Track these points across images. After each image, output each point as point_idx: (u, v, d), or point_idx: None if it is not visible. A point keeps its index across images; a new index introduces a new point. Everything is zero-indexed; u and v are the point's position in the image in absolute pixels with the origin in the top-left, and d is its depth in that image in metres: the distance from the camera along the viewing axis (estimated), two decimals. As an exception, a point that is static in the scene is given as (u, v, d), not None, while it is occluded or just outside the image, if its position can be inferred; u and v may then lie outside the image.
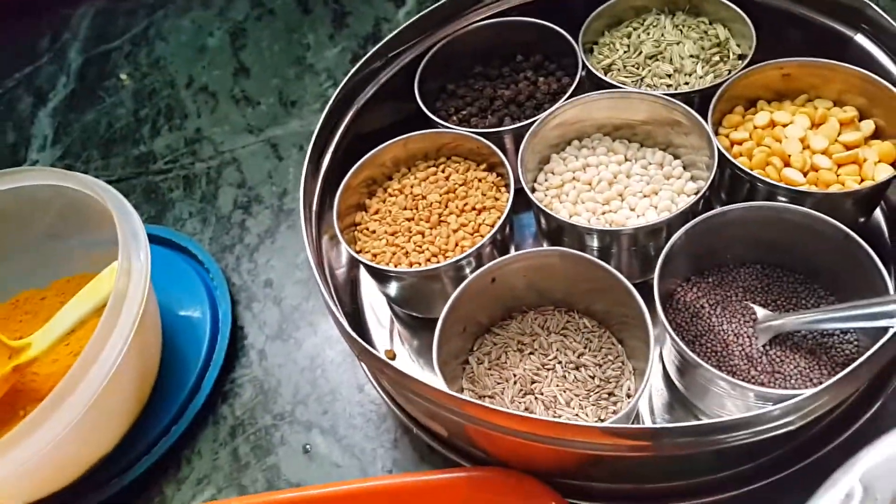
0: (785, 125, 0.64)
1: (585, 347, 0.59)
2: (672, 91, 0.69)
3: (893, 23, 0.62)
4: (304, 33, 1.00)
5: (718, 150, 0.60)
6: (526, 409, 0.57)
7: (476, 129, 0.68)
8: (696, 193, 0.61)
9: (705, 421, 0.47)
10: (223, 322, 0.72)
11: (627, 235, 0.60)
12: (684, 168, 0.65)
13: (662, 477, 0.55)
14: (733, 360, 0.56)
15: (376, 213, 0.67)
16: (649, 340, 0.53)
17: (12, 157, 0.96)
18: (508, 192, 0.63)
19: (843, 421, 0.54)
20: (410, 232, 0.64)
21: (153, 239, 0.67)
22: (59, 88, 1.02)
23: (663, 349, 0.60)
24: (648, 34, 0.74)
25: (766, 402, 0.50)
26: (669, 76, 0.71)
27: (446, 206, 0.65)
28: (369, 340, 0.68)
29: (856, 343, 0.56)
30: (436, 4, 0.73)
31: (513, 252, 0.60)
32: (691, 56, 0.71)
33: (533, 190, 0.65)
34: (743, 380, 0.54)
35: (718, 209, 0.58)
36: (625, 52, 0.73)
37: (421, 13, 0.72)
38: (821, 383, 0.46)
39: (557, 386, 0.57)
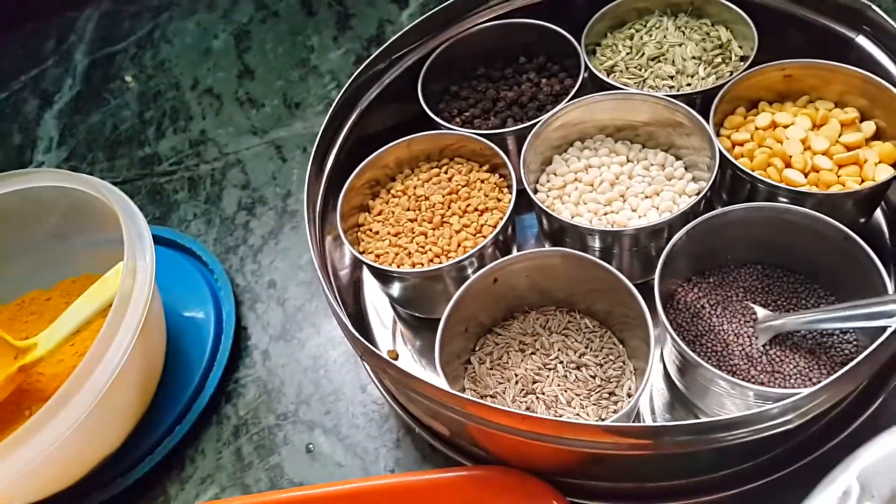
0: (786, 126, 0.64)
1: (587, 347, 0.59)
2: (674, 92, 0.69)
3: (894, 24, 0.62)
4: (307, 35, 1.00)
5: (720, 151, 0.61)
6: (527, 408, 0.57)
7: (479, 131, 0.68)
8: (697, 194, 0.61)
9: (705, 419, 0.48)
10: (227, 322, 0.72)
11: (629, 236, 0.60)
12: (686, 169, 0.66)
13: (663, 476, 0.55)
14: (733, 359, 0.56)
15: (379, 214, 0.67)
16: (650, 340, 0.53)
17: (18, 158, 0.97)
18: (511, 192, 0.64)
19: (841, 420, 0.54)
20: (413, 233, 0.65)
21: (158, 240, 0.68)
22: (64, 90, 1.03)
23: (664, 349, 0.61)
24: (651, 36, 0.74)
25: (766, 402, 0.50)
26: (671, 77, 0.71)
27: (449, 207, 0.65)
28: (372, 341, 0.69)
29: (855, 343, 0.56)
30: (439, 6, 0.73)
31: (515, 253, 0.60)
32: (693, 58, 0.71)
33: (535, 191, 0.66)
34: (743, 379, 0.54)
35: (719, 210, 0.58)
36: (627, 53, 0.73)
37: (424, 15, 0.73)
38: (820, 383, 0.46)
39: (559, 385, 0.57)
